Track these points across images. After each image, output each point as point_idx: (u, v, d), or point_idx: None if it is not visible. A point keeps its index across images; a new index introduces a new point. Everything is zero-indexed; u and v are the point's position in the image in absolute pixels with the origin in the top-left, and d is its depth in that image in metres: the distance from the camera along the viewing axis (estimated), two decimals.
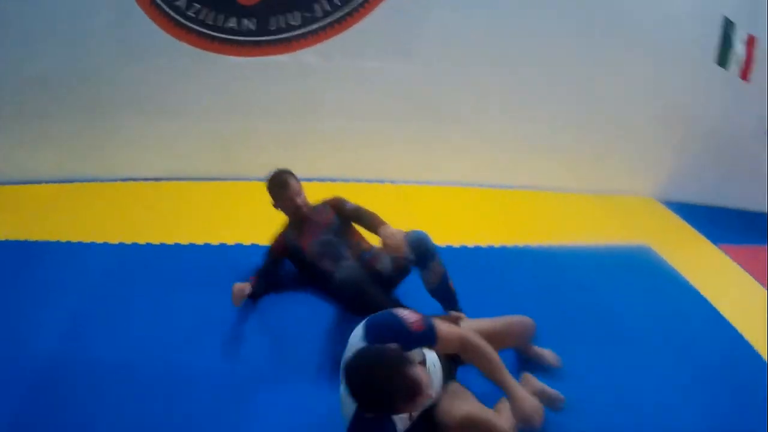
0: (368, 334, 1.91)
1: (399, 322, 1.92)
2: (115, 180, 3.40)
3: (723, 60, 5.60)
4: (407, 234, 2.65)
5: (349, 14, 3.25)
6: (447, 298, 2.69)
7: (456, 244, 3.73)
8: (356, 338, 1.95)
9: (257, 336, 2.71)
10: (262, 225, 3.10)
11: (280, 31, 3.08)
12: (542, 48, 4.30)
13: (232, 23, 2.91)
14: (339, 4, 3.20)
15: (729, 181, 6.71)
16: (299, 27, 3.13)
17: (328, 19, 3.21)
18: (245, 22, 2.95)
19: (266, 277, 2.87)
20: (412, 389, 1.69)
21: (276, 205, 2.91)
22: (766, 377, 3.19)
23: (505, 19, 4.02)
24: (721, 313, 3.94)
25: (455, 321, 2.31)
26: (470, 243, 3.84)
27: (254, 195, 3.41)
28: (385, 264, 2.83)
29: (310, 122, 3.62)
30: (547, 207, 4.94)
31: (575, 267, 3.99)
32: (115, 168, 3.33)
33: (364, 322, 1.99)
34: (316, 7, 3.14)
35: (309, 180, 3.69)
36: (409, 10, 3.52)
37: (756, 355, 3.54)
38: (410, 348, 1.86)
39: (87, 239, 3.19)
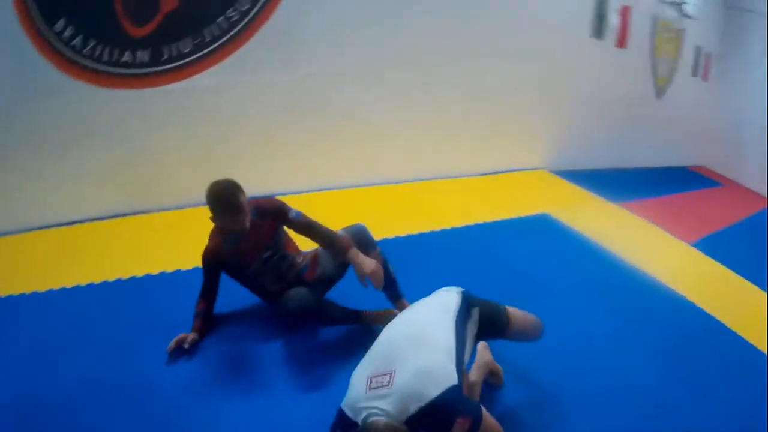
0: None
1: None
2: (21, 231, 3.20)
3: (598, 32, 6.14)
4: (348, 228, 2.76)
5: (236, 36, 3.35)
6: (389, 286, 2.79)
7: (389, 236, 3.87)
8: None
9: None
10: (183, 251, 3.10)
11: (172, 59, 3.12)
12: (428, 42, 4.56)
13: (126, 57, 2.92)
14: (226, 28, 3.29)
15: (617, 143, 7.37)
16: (191, 53, 3.19)
17: (218, 43, 3.29)
18: (139, 54, 2.97)
19: (208, 300, 2.70)
20: None
21: (216, 220, 2.57)
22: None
23: (384, 19, 4.25)
24: (627, 260, 4.39)
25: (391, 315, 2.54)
26: (397, 234, 4.00)
27: (172, 223, 3.42)
28: (325, 265, 2.86)
29: (211, 142, 3.63)
30: (454, 192, 5.20)
31: (490, 241, 4.24)
32: (18, 215, 3.13)
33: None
34: (206, 32, 3.21)
35: None
36: (291, 27, 3.66)
37: (660, 286, 4.12)
38: None
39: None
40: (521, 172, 6.05)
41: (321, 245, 2.74)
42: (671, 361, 3.09)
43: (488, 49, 5.02)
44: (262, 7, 3.42)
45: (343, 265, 2.83)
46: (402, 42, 4.38)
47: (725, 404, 2.82)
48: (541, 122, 6.07)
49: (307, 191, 4.21)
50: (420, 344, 1.94)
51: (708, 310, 3.83)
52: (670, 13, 7.42)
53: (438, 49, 4.62)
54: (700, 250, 5.29)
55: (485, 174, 5.65)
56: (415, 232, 4.04)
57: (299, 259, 2.84)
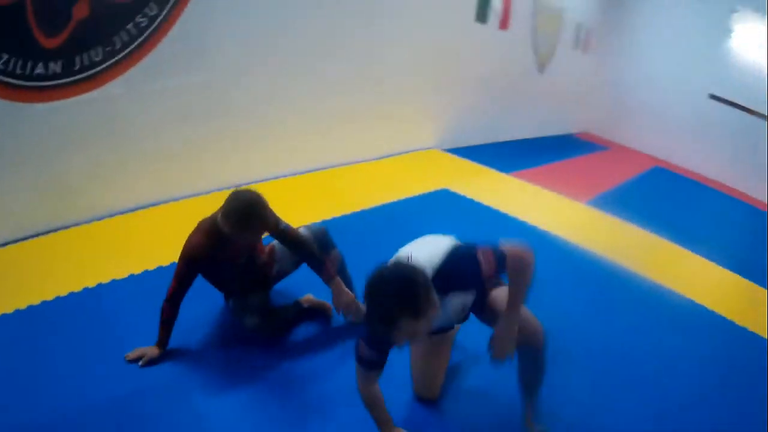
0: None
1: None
2: None
3: (482, 16, 6.55)
4: (310, 227, 2.86)
5: (146, 41, 3.44)
6: (345, 282, 2.83)
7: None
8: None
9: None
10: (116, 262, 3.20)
11: (84, 69, 3.16)
12: (319, 32, 4.74)
13: (39, 69, 2.95)
14: (135, 34, 3.37)
15: (503, 118, 7.89)
16: (102, 62, 3.25)
17: (128, 50, 3.36)
18: (51, 65, 3.00)
19: (177, 305, 2.53)
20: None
21: (232, 230, 2.41)
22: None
23: (282, 18, 4.41)
24: (527, 222, 4.90)
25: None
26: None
27: (98, 234, 3.52)
28: (283, 261, 2.89)
29: (126, 150, 3.70)
30: (356, 177, 5.48)
31: (399, 218, 4.59)
32: None
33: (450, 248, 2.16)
34: (116, 39, 3.28)
35: (143, 207, 3.91)
36: (198, 29, 3.77)
37: (559, 240, 4.79)
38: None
39: None
40: (416, 153, 6.43)
41: (309, 264, 2.72)
42: (573, 294, 3.83)
43: (378, 36, 5.27)
44: (169, 11, 3.51)
45: (298, 262, 2.87)
46: (296, 34, 4.55)
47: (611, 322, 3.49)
48: (431, 104, 6.44)
49: (220, 189, 4.32)
50: (424, 243, 2.25)
51: (608, 255, 4.63)
52: None
53: (329, 40, 4.82)
54: (594, 206, 6.07)
55: (382, 157, 5.94)
56: (328, 217, 4.28)
57: (263, 258, 2.87)
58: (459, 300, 2.16)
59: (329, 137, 5.23)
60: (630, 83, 10.54)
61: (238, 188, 2.53)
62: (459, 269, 2.08)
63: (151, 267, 3.20)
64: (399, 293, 1.83)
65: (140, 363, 2.45)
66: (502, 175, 6.58)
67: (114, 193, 3.72)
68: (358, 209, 4.59)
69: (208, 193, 4.22)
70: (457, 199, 5.42)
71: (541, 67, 8.48)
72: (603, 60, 10.63)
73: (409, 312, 1.83)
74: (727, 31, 9.68)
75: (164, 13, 3.50)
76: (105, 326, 2.70)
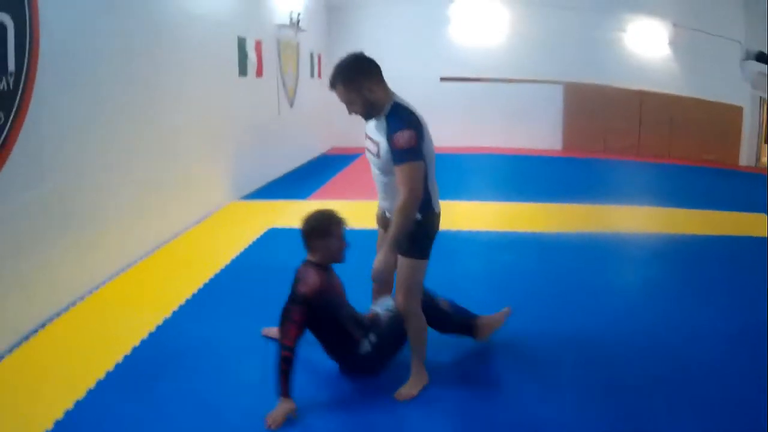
0: None
1: None
2: None
3: (242, 69, 6.98)
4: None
5: None
6: None
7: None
8: None
9: None
10: None
11: None
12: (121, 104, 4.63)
13: None
14: None
15: (274, 154, 8.36)
16: None
17: None
18: None
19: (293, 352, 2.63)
20: None
21: (312, 246, 2.92)
22: None
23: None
24: (356, 227, 5.47)
25: None
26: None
27: None
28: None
29: None
30: (190, 248, 5.55)
31: (257, 266, 4.83)
32: None
33: None
34: None
35: None
36: (37, 142, 3.61)
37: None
38: None
39: None
40: (217, 212, 6.53)
41: None
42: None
43: (159, 104, 5.28)
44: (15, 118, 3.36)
45: None
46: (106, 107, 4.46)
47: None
48: (216, 160, 6.67)
49: (91, 290, 4.19)
50: None
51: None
52: (288, 33, 8.71)
53: (131, 110, 4.77)
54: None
55: (190, 226, 5.89)
56: (201, 284, 4.35)
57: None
58: (382, 132, 2.66)
59: (139, 211, 5.00)
60: None
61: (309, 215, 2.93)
62: (400, 111, 2.66)
63: None
64: (343, 63, 2.67)
65: (293, 416, 2.56)
66: (305, 201, 7.14)
67: None
68: (211, 275, 4.60)
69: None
70: (288, 233, 5.79)
71: (291, 101, 9.17)
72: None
73: (342, 78, 2.65)
74: (446, 20, 11.75)
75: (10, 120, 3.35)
76: None
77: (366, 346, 2.90)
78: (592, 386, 2.99)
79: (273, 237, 5.68)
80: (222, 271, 4.68)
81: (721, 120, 11.63)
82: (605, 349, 3.40)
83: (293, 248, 5.25)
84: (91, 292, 4.16)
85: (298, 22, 8.59)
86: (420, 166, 2.59)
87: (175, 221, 5.64)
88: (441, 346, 3.21)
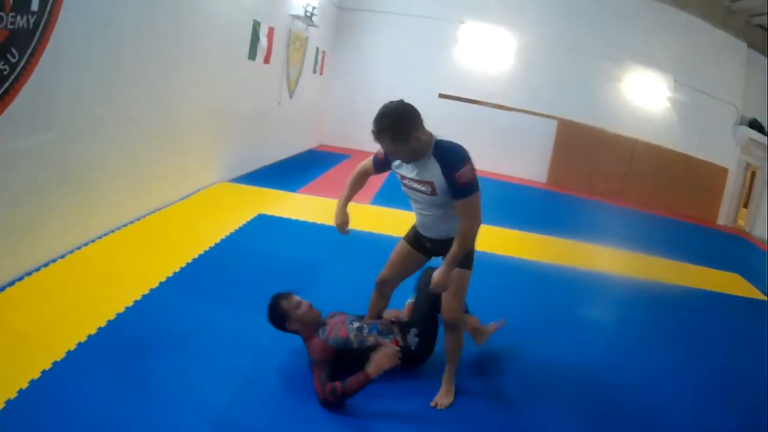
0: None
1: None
2: None
3: (252, 53, 6.90)
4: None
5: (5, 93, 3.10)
6: None
7: (153, 285, 3.94)
8: None
9: None
10: None
11: None
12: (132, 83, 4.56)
13: None
14: None
15: (266, 142, 8.28)
16: None
17: None
18: None
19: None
20: None
21: (289, 326, 3.02)
22: None
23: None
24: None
25: None
26: (169, 272, 4.06)
27: None
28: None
29: None
30: (176, 221, 5.42)
31: (244, 248, 4.74)
32: None
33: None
34: None
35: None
36: (48, 87, 3.51)
37: (380, 236, 5.21)
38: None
39: None
40: (207, 190, 6.43)
41: None
42: None
43: (173, 81, 5.24)
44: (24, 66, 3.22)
45: None
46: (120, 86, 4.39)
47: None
48: (212, 140, 6.54)
49: (76, 248, 4.06)
50: None
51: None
52: (299, 25, 8.63)
53: (143, 71, 4.69)
54: (376, 204, 7.02)
55: (180, 200, 5.79)
56: (181, 264, 4.20)
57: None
58: (435, 171, 2.67)
59: (141, 185, 5.02)
60: (363, 96, 11.71)
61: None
62: (451, 149, 2.68)
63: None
64: (389, 116, 2.58)
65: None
66: (295, 194, 7.12)
67: None
68: (201, 251, 4.53)
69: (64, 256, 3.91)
70: (276, 221, 5.74)
71: (291, 93, 9.09)
72: (338, 81, 11.88)
73: (390, 133, 2.58)
74: (454, 41, 11.80)
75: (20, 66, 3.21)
76: None
77: (412, 339, 3.09)
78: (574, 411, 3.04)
79: (262, 223, 5.59)
80: (210, 250, 4.58)
81: (705, 179, 11.95)
82: (588, 378, 3.48)
83: (280, 236, 5.33)
84: (76, 249, 4.04)
85: (312, 16, 8.52)
86: (479, 196, 2.70)
87: (167, 192, 5.53)
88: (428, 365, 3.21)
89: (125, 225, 4.71)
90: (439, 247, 2.92)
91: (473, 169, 2.66)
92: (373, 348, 2.89)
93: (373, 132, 2.64)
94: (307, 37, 9.22)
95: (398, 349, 2.79)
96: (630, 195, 12.20)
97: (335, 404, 2.69)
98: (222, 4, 5.98)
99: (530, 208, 9.26)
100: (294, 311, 2.99)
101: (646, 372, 3.74)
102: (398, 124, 2.59)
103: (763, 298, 6.23)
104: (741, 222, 12.39)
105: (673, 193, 12.12)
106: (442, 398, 2.91)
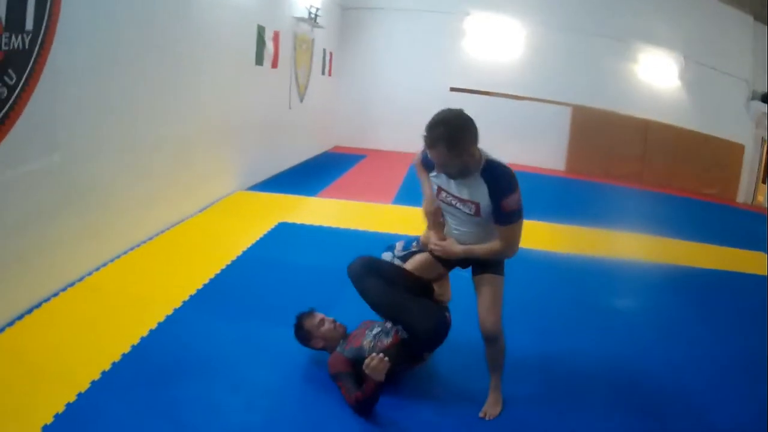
0: None
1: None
2: None
3: (259, 59, 6.76)
4: None
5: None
6: None
7: (190, 292, 3.80)
8: None
9: None
10: None
11: None
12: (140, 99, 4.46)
13: None
14: None
15: (278, 149, 8.15)
16: None
17: None
18: None
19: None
20: None
21: (314, 344, 2.99)
22: None
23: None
24: (369, 230, 5.22)
25: None
26: (198, 284, 3.94)
27: None
28: None
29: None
30: (196, 234, 5.27)
31: (272, 258, 4.60)
32: None
33: None
34: None
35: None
36: (49, 108, 3.39)
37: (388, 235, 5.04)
38: None
39: None
40: (224, 200, 6.29)
41: None
42: None
43: (179, 93, 5.13)
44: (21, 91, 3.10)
45: None
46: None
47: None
48: (226, 149, 6.41)
49: (92, 272, 3.93)
50: None
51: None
52: (304, 27, 8.48)
53: (147, 86, 4.54)
54: (399, 203, 6.91)
55: (197, 212, 5.67)
56: (205, 280, 4.04)
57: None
58: (482, 192, 2.53)
59: (159, 201, 4.91)
60: (373, 95, 11.80)
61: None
62: (502, 172, 2.53)
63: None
64: (448, 123, 2.40)
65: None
66: (315, 198, 6.97)
67: None
68: (228, 261, 4.42)
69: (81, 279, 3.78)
70: (299, 229, 5.58)
71: (302, 96, 8.94)
72: (347, 81, 11.72)
73: (447, 142, 2.37)
74: (460, 33, 11.54)
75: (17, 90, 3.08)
76: None
77: (402, 332, 2.86)
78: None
79: (284, 231, 5.44)
80: (232, 263, 4.42)
81: (722, 156, 11.62)
82: (626, 369, 3.34)
83: (304, 244, 5.17)
84: (91, 273, 3.90)
85: (316, 17, 8.37)
86: (522, 224, 2.61)
87: (182, 206, 5.39)
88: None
89: (141, 243, 4.58)
90: (465, 263, 2.80)
91: (520, 198, 2.54)
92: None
93: (425, 139, 2.45)
94: (313, 39, 9.06)
95: (381, 357, 2.52)
96: (648, 177, 11.85)
97: (363, 412, 2.59)
98: (224, 12, 5.82)
99: (551, 197, 8.98)
100: (317, 330, 2.95)
101: (681, 358, 3.57)
102: (457, 134, 2.41)
103: None
104: (761, 198, 11.98)
105: (691, 173, 11.74)
106: (491, 408, 2.74)
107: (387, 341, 2.80)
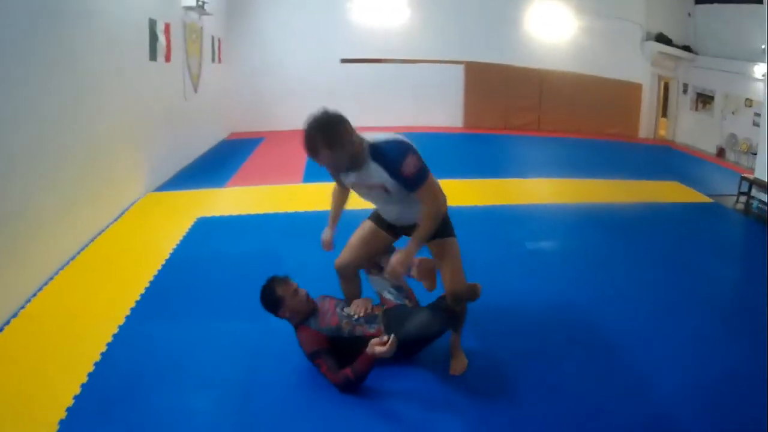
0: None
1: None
2: None
3: (153, 54, 6.58)
4: None
5: None
6: None
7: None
8: None
9: None
10: None
11: None
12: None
13: None
14: None
15: (184, 142, 8.03)
16: None
17: None
18: None
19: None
20: None
21: (281, 313, 2.97)
22: None
23: None
24: (288, 211, 5.19)
25: None
26: None
27: None
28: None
29: None
30: (117, 246, 5.20)
31: (202, 263, 4.66)
32: None
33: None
34: None
35: None
36: None
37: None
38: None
39: None
40: (137, 204, 6.15)
41: None
42: None
43: (83, 102, 4.98)
44: None
45: None
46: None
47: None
48: (132, 151, 6.29)
49: (22, 307, 3.74)
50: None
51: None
52: (193, 15, 8.30)
53: (40, 103, 4.27)
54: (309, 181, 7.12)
55: (113, 221, 5.52)
56: (147, 282, 4.11)
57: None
58: (380, 174, 2.64)
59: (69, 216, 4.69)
60: (265, 77, 11.77)
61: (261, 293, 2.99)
62: (386, 148, 2.61)
63: None
64: (318, 126, 2.47)
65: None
66: (223, 189, 7.02)
67: None
68: (154, 273, 4.34)
69: None
70: (217, 222, 5.63)
71: (195, 86, 8.79)
72: (238, 66, 11.59)
73: (325, 142, 2.46)
74: (346, 4, 11.72)
75: None
76: None
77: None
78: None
79: (204, 227, 5.49)
80: (164, 266, 4.47)
81: (621, 96, 12.62)
82: (567, 313, 3.71)
83: (227, 236, 5.23)
84: (23, 306, 3.73)
85: (204, 4, 8.22)
86: (433, 179, 2.70)
87: (97, 217, 5.25)
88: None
89: (66, 264, 4.41)
90: (411, 229, 2.86)
91: (417, 156, 2.61)
92: (362, 338, 2.86)
93: (306, 149, 2.51)
94: (201, 27, 8.89)
95: (394, 339, 2.68)
96: (547, 125, 12.68)
97: (351, 389, 2.76)
98: (114, 7, 5.62)
99: (453, 154, 9.38)
100: (290, 299, 2.92)
101: (618, 293, 4.01)
102: (331, 132, 2.49)
103: (707, 200, 6.68)
104: (662, 132, 13.18)
105: (591, 116, 12.67)
106: (458, 364, 2.99)
107: (372, 330, 2.93)
